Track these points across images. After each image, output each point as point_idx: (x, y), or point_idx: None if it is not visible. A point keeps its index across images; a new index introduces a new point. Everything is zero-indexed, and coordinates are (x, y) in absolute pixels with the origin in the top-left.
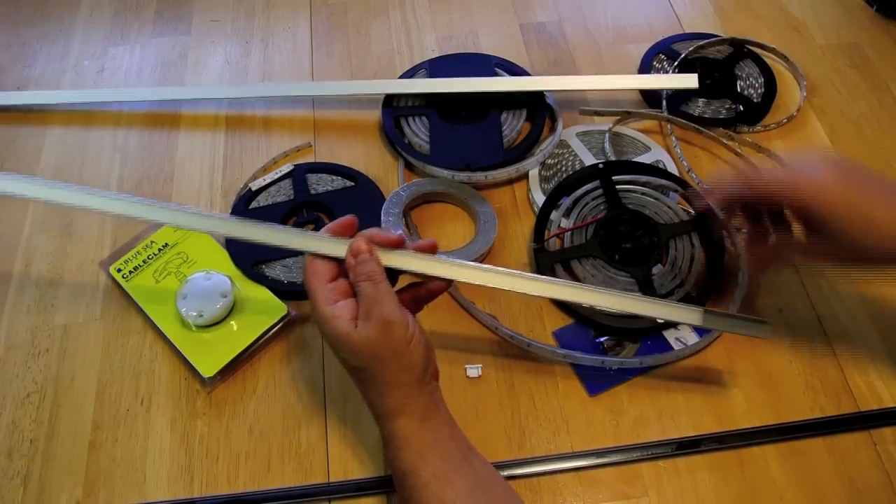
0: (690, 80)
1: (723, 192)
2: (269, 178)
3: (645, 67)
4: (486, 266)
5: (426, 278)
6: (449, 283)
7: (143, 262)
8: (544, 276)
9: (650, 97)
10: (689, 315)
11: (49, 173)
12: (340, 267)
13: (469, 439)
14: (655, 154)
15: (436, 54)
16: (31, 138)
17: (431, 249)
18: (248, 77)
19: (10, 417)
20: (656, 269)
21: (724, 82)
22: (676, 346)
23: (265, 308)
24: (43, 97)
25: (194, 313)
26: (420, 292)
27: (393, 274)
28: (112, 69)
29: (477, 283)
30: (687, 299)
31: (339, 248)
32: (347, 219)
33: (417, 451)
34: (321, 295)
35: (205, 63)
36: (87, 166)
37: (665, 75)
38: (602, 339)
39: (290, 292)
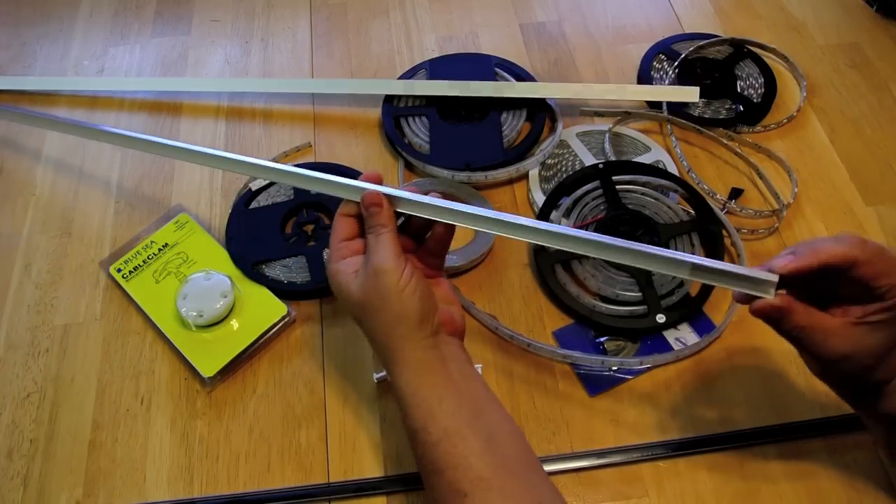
0: (691, 94)
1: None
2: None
3: (645, 68)
4: (492, 212)
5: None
6: (448, 235)
7: (143, 262)
8: (536, 222)
9: None
10: (677, 268)
11: (49, 171)
12: (360, 228)
13: (491, 393)
14: (655, 154)
15: (436, 54)
16: (31, 137)
17: (376, 179)
18: (248, 77)
19: (10, 417)
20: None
21: (724, 82)
22: (676, 346)
23: (265, 308)
24: (42, 83)
25: (194, 313)
26: (429, 245)
27: (415, 237)
28: (112, 69)
29: (475, 227)
30: (686, 299)
31: (356, 195)
32: (374, 173)
33: (426, 408)
34: (333, 252)
35: (205, 63)
36: (87, 165)
37: (666, 87)
38: (602, 339)
39: (290, 292)
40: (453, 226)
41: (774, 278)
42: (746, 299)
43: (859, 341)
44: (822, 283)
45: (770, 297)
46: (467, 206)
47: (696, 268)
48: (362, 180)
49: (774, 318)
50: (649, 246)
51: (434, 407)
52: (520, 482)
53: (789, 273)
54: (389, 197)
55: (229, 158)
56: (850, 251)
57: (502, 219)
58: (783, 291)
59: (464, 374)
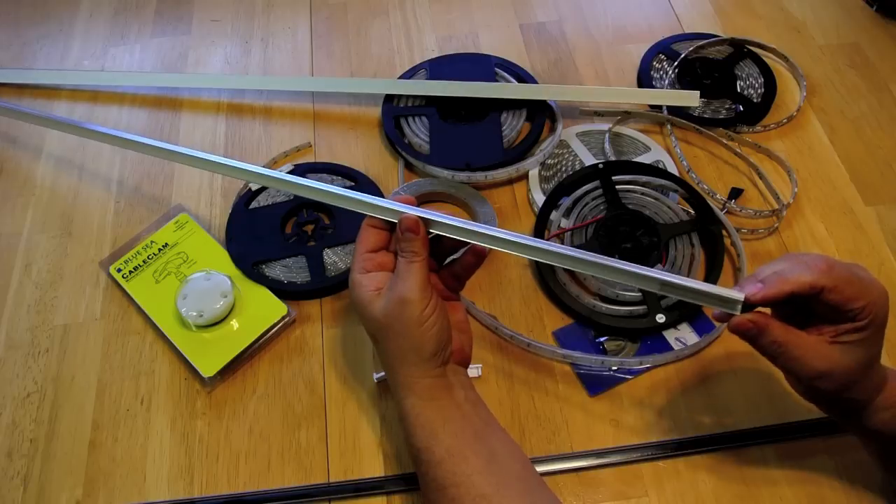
0: (692, 98)
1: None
2: None
3: (645, 68)
4: (529, 238)
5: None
6: (480, 258)
7: (143, 262)
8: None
9: None
10: (647, 283)
11: (49, 171)
12: (388, 240)
13: (492, 417)
14: (655, 154)
15: (436, 54)
16: (32, 137)
17: (408, 203)
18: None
19: (10, 417)
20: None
21: (724, 82)
22: (676, 346)
23: (265, 308)
24: (43, 76)
25: (194, 313)
26: (455, 269)
27: (440, 257)
28: (112, 69)
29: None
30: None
31: (394, 216)
32: (407, 196)
33: (430, 429)
34: (357, 262)
35: (205, 63)
36: (87, 165)
37: (667, 91)
38: (602, 339)
39: (290, 292)
40: (483, 256)
41: (740, 296)
42: (726, 317)
43: (835, 359)
44: (796, 304)
45: (738, 315)
46: (506, 231)
47: (665, 284)
48: (399, 200)
49: (751, 335)
50: (623, 262)
51: (438, 428)
52: (521, 499)
53: (757, 302)
54: (426, 220)
55: (261, 174)
56: (818, 280)
57: (538, 246)
58: (767, 310)
59: (468, 399)
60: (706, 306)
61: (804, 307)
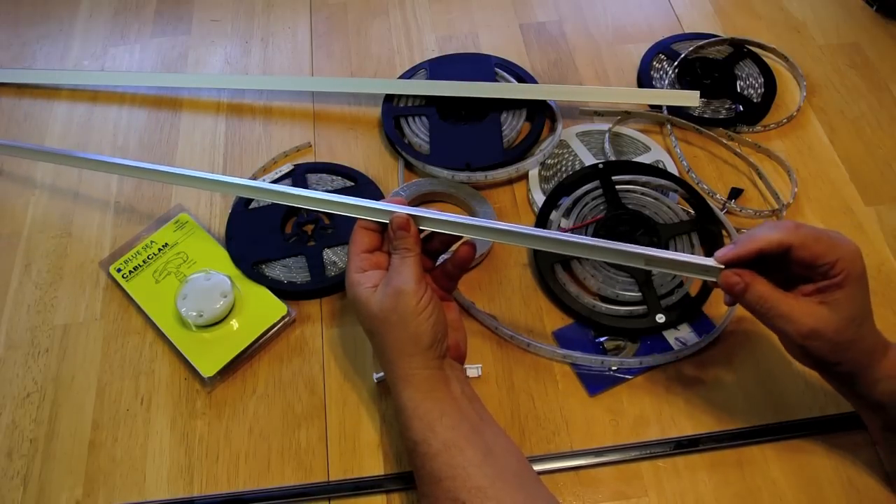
0: (692, 98)
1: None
2: (268, 178)
3: (645, 68)
4: (520, 227)
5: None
6: (471, 256)
7: (143, 262)
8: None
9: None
10: (633, 259)
11: (49, 171)
12: (381, 241)
13: (489, 415)
14: (655, 154)
15: (436, 54)
16: (31, 137)
17: (399, 203)
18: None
19: (10, 417)
20: (656, 270)
21: (724, 82)
22: (676, 346)
23: (265, 308)
24: (43, 76)
25: (194, 313)
26: (447, 267)
27: (432, 257)
28: (112, 69)
29: (493, 240)
30: (686, 299)
31: (385, 216)
32: (398, 198)
33: (427, 422)
34: (353, 262)
35: (205, 63)
36: (86, 167)
37: (667, 91)
38: (602, 339)
39: (290, 292)
40: (474, 250)
41: (719, 263)
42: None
43: (822, 317)
44: (770, 264)
45: (725, 271)
46: (490, 221)
47: (650, 259)
48: (389, 201)
49: (738, 289)
50: (606, 241)
51: (435, 421)
52: (517, 493)
53: (728, 261)
54: (415, 217)
55: (248, 185)
56: (785, 237)
57: (521, 231)
58: None
59: (465, 393)
60: (691, 276)
61: (782, 268)
